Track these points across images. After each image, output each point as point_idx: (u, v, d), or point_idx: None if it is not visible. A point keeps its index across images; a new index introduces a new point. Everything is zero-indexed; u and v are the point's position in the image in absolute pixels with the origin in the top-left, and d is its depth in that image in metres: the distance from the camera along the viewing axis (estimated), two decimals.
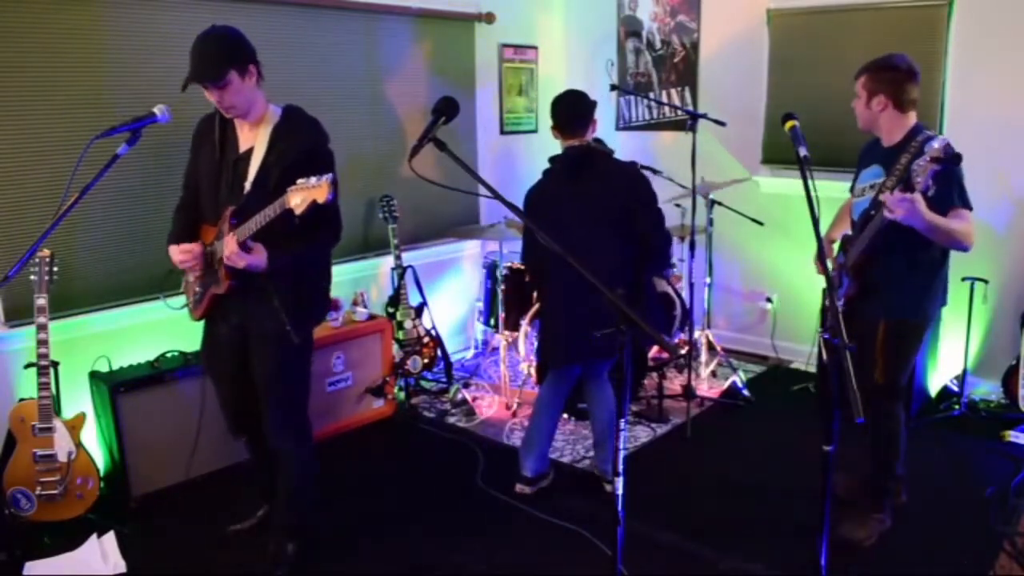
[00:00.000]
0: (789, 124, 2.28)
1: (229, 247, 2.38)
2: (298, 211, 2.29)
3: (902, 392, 2.87)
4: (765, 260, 4.91)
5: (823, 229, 3.17)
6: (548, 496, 3.32)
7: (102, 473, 3.20)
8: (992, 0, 4.00)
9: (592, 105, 3.20)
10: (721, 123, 4.03)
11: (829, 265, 2.54)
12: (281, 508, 2.82)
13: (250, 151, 2.51)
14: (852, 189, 3.05)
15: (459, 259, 5.12)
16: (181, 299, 2.80)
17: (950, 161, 2.38)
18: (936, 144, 2.40)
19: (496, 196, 2.24)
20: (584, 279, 1.80)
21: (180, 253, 2.58)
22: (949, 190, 2.61)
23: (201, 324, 2.78)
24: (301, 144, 2.49)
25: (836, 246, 3.01)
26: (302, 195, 2.28)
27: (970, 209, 2.65)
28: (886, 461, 2.91)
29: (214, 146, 2.56)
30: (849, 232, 2.95)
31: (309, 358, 2.75)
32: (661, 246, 3.22)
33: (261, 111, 2.52)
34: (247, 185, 2.48)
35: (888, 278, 2.77)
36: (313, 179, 2.28)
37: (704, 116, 4.02)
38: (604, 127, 5.50)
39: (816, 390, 4.41)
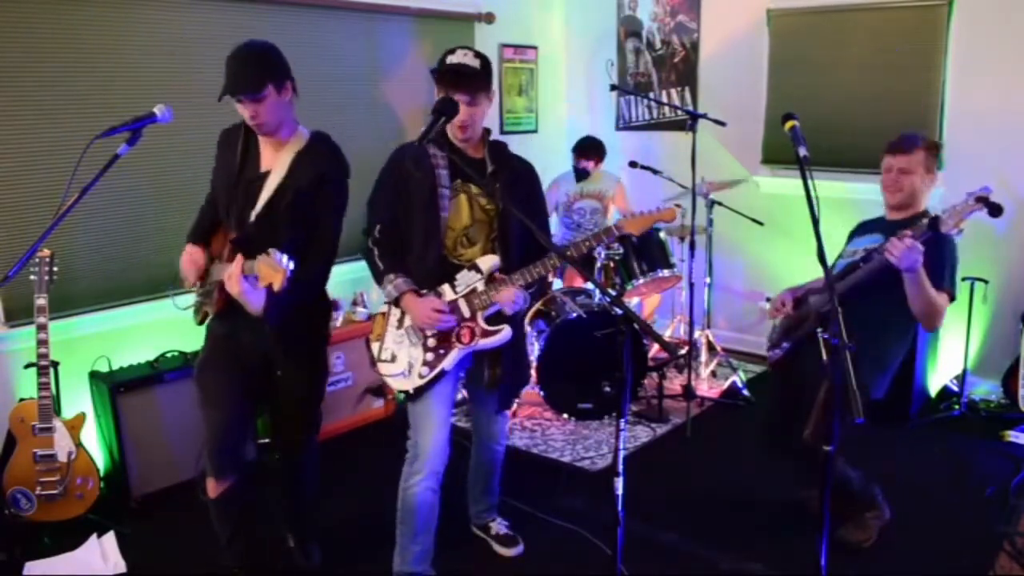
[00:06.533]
0: (789, 124, 2.27)
1: (233, 274, 2.29)
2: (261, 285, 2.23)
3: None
4: (765, 260, 4.91)
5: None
6: (548, 496, 3.33)
7: (102, 473, 3.20)
8: (992, 0, 4.00)
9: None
10: (721, 123, 4.03)
11: (829, 263, 2.53)
12: (302, 518, 2.90)
13: (267, 173, 2.42)
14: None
15: None
16: (188, 299, 2.78)
17: (992, 206, 2.31)
18: (981, 190, 2.36)
19: (496, 195, 2.25)
20: None
21: (189, 262, 2.50)
22: (942, 269, 2.58)
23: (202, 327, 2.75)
24: (316, 167, 2.40)
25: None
26: (265, 270, 2.17)
27: (953, 299, 2.60)
28: (845, 486, 2.85)
29: (234, 160, 2.46)
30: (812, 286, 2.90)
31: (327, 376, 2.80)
32: None
33: (290, 131, 2.43)
34: (254, 213, 2.39)
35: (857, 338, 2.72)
36: (284, 258, 2.16)
37: (704, 116, 4.02)
38: (604, 127, 5.52)
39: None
